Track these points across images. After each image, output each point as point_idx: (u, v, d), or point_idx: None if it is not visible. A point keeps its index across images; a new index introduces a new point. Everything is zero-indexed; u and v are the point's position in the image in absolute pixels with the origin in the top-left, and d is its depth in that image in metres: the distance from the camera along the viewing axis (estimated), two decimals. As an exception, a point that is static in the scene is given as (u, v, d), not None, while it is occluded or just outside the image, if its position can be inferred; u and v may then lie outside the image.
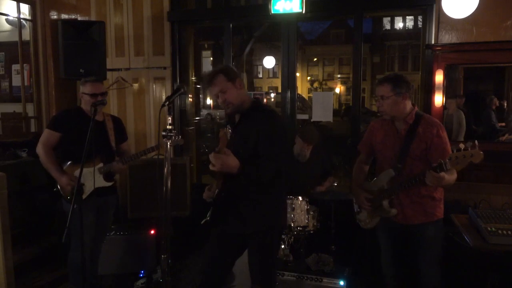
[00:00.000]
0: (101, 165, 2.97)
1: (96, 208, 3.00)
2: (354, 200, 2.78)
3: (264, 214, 2.28)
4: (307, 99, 20.83)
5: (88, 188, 2.87)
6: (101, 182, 2.96)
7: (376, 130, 2.66)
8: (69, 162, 2.97)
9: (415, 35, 24.83)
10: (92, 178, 2.80)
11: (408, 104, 2.45)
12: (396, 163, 2.46)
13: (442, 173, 2.15)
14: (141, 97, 4.54)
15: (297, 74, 5.35)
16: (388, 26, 29.29)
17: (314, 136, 3.49)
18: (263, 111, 2.29)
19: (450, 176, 2.24)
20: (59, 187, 2.95)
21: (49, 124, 3.08)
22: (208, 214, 2.35)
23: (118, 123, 3.23)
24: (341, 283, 2.92)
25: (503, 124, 4.10)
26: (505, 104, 4.14)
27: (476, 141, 2.07)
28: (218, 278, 2.44)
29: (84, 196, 2.76)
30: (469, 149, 2.07)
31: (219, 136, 2.20)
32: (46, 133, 2.99)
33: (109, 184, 3.05)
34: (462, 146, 2.08)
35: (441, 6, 3.33)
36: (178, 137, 2.25)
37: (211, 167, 2.05)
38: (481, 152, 2.06)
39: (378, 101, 2.46)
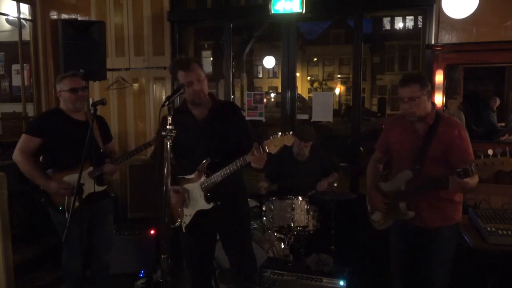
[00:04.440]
0: (91, 169, 2.75)
1: (89, 216, 2.79)
2: (367, 199, 2.68)
3: (248, 209, 2.69)
4: (307, 99, 20.84)
5: (86, 192, 2.59)
6: (93, 188, 2.73)
7: (391, 129, 2.57)
8: (50, 170, 2.72)
9: (415, 35, 24.85)
10: (85, 184, 2.57)
11: (429, 103, 2.33)
12: (413, 164, 2.35)
13: (467, 179, 2.00)
14: (141, 97, 4.54)
15: (297, 74, 5.34)
16: (388, 26, 29.33)
17: (309, 133, 3.48)
18: (229, 104, 2.60)
19: (473, 181, 2.08)
20: (47, 196, 2.70)
21: (28, 128, 2.79)
22: (184, 221, 2.46)
23: (101, 122, 2.99)
24: (341, 283, 2.91)
25: (503, 124, 4.10)
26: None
27: (507, 148, 1.92)
28: (207, 272, 2.68)
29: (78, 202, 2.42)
30: (498, 155, 1.90)
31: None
32: (25, 139, 2.70)
33: (102, 188, 2.85)
34: (491, 152, 1.92)
35: (441, 6, 3.33)
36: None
37: (257, 166, 2.15)
38: None
39: (405, 103, 2.28)
